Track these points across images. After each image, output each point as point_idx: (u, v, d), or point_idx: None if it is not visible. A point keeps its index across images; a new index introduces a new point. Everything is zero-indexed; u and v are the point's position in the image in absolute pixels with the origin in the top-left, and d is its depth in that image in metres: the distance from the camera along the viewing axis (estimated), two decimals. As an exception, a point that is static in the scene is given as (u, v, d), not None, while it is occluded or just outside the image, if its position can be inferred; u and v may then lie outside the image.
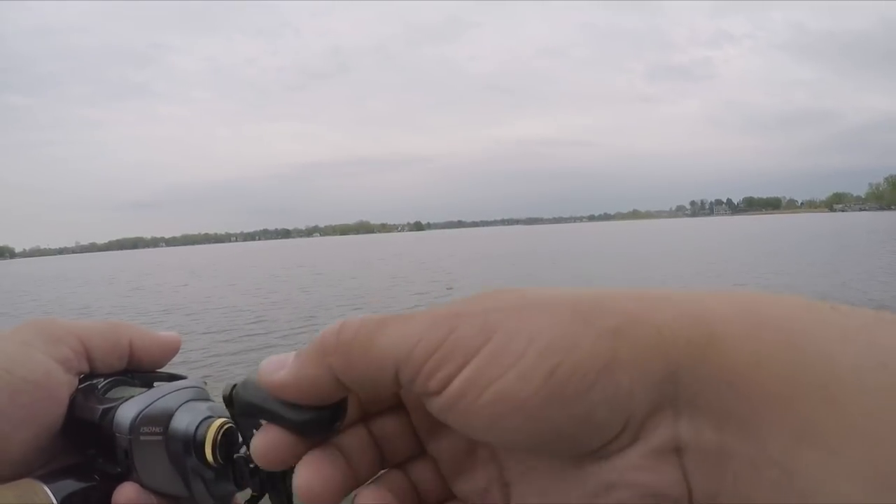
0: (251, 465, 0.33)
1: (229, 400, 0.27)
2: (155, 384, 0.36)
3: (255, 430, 0.26)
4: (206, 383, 0.37)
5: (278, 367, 0.25)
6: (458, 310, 0.23)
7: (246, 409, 0.26)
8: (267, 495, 0.34)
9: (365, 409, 0.28)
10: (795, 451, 0.19)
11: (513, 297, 0.24)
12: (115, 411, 0.33)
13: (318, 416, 0.25)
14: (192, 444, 0.32)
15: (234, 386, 0.27)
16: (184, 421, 0.33)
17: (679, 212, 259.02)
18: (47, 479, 0.31)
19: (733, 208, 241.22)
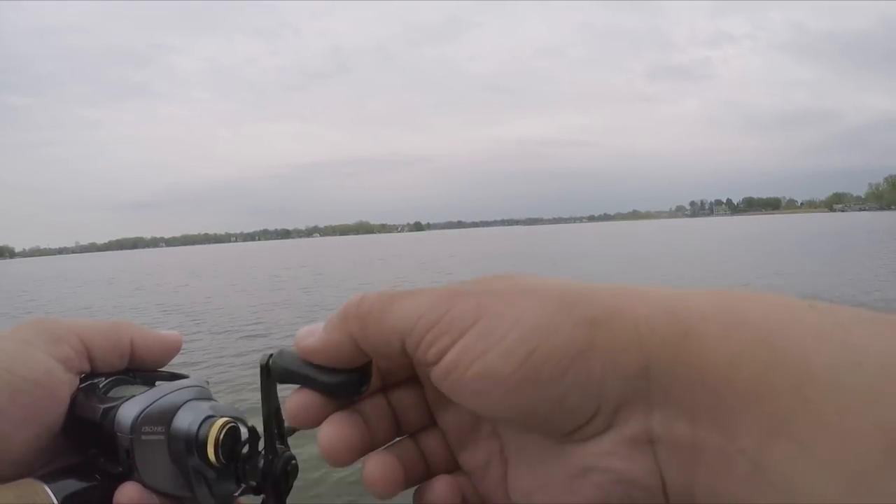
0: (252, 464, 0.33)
1: (266, 368, 0.30)
2: (156, 383, 0.36)
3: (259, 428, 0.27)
4: (208, 382, 0.36)
5: (310, 334, 0.29)
6: (458, 289, 0.26)
7: (282, 374, 0.30)
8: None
9: (385, 380, 0.31)
10: (767, 447, 0.19)
11: (508, 283, 0.26)
12: (117, 411, 0.32)
13: (348, 378, 0.28)
14: (195, 443, 0.32)
15: (271, 356, 0.30)
16: (186, 420, 0.33)
17: (679, 212, 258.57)
18: (48, 478, 0.31)
19: (733, 208, 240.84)
